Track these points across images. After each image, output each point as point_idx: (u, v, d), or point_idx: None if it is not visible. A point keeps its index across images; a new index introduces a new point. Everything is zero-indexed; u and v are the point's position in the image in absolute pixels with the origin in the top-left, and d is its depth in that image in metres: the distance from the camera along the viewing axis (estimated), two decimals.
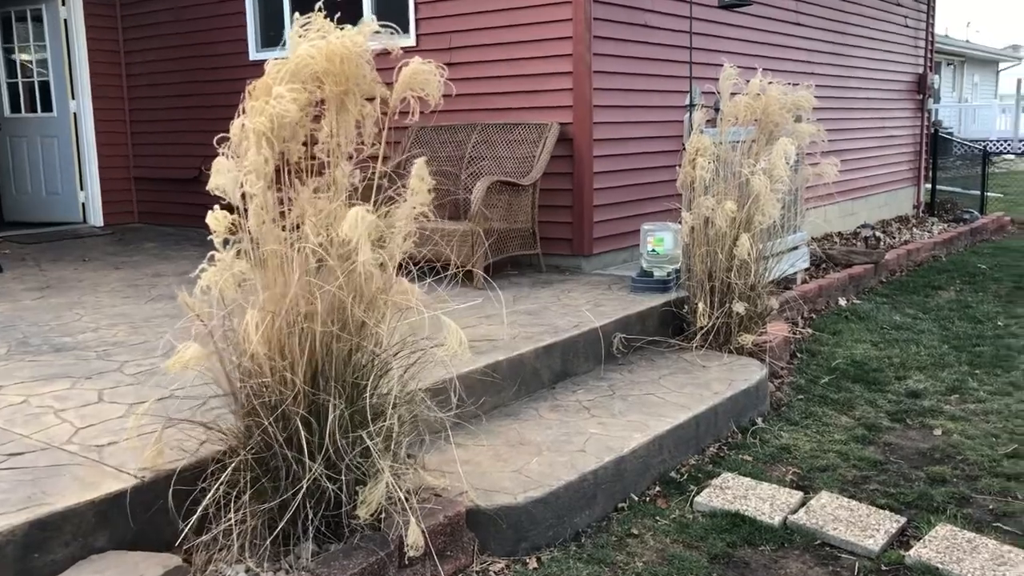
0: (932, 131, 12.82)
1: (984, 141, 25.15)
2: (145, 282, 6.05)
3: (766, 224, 4.71)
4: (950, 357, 5.72)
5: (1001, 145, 25.29)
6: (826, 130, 9.85)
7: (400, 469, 2.77)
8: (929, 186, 12.83)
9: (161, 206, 8.89)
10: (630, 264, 6.42)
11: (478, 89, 6.56)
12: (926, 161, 12.55)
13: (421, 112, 2.86)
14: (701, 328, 4.90)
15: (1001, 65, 33.41)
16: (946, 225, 11.31)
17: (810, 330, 6.36)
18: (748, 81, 4.95)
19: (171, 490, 2.63)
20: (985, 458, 4.10)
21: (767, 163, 4.65)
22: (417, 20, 6.76)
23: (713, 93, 5.26)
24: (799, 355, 5.67)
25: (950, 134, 22.95)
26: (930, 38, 12.15)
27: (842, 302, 7.25)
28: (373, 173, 2.77)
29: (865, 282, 7.81)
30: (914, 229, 10.68)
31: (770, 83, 4.93)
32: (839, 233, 9.88)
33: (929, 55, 12.17)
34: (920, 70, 11.94)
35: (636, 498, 3.56)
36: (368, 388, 2.58)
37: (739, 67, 7.36)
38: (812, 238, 9.48)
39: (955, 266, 8.89)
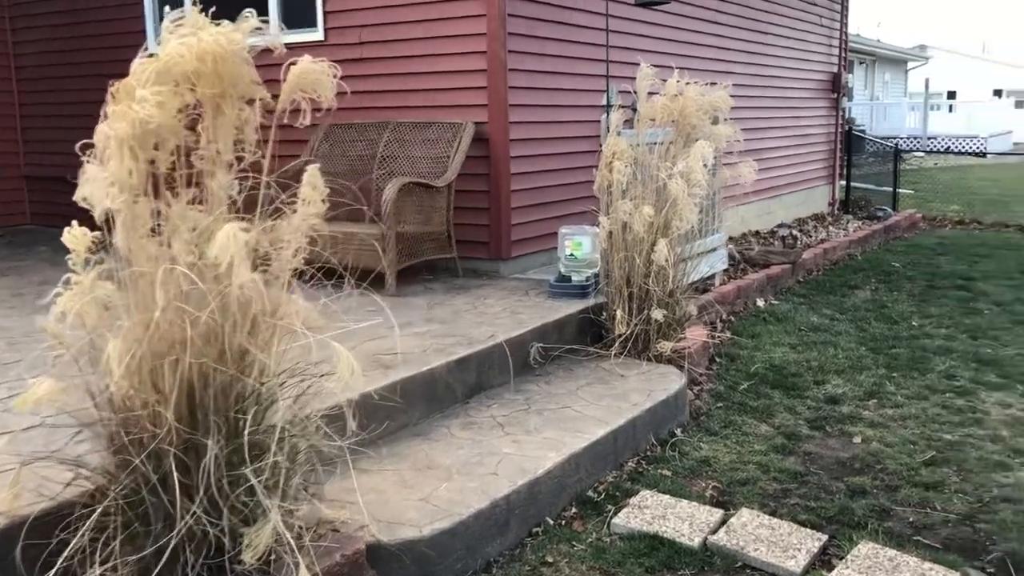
0: (846, 129, 13.02)
1: (895, 138, 25.86)
2: (31, 291, 5.64)
3: (684, 229, 4.59)
4: (867, 360, 5.71)
5: (911, 142, 26.04)
6: (744, 130, 9.87)
7: (292, 505, 2.53)
8: (844, 184, 13.03)
9: (56, 207, 8.39)
10: (550, 267, 6.25)
11: (391, 86, 6.31)
12: (841, 159, 12.74)
13: (329, 110, 2.62)
14: (620, 335, 4.76)
15: (910, 64, 34.44)
16: (860, 223, 11.47)
17: (729, 333, 6.29)
18: (665, 81, 4.81)
19: (24, 539, 2.34)
20: (904, 467, 4.05)
21: (685, 166, 4.53)
22: (326, 14, 6.47)
23: (631, 93, 5.12)
24: (718, 360, 5.58)
25: (863, 132, 23.52)
26: (844, 37, 12.32)
27: (760, 303, 7.22)
28: (258, 182, 2.52)
29: (783, 282, 7.81)
30: (830, 227, 10.80)
31: (687, 84, 4.81)
32: (756, 232, 9.91)
33: (843, 54, 12.34)
34: (834, 69, 12.09)
35: (551, 522, 3.39)
36: (251, 421, 2.34)
37: (658, 66, 7.25)
38: (730, 238, 9.48)
39: (870, 264, 8.99)
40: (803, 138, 11.30)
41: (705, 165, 6.02)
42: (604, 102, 5.35)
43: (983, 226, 13.17)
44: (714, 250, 6.95)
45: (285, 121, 2.58)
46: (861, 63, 28.89)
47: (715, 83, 5.20)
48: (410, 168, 6.02)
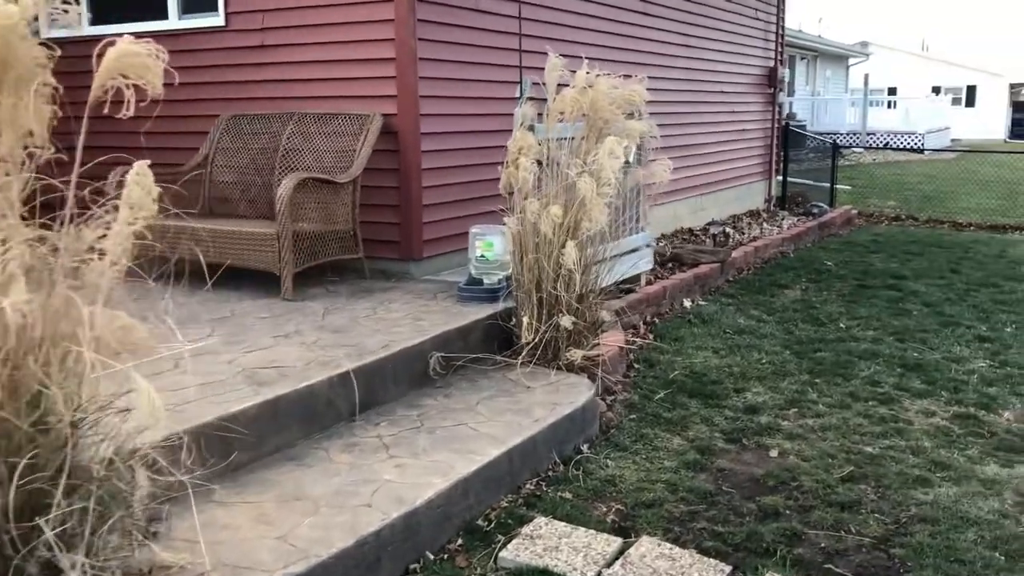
0: (783, 125, 12.91)
1: (835, 134, 26.02)
2: None
3: (594, 230, 4.31)
4: (791, 365, 5.50)
5: (851, 138, 26.21)
6: (677, 124, 9.68)
7: (104, 557, 2.19)
8: (780, 179, 12.92)
9: None
10: (466, 268, 5.94)
11: (296, 75, 5.94)
12: (777, 154, 12.62)
13: (156, 101, 2.27)
14: (528, 343, 4.47)
15: (851, 60, 34.76)
16: (796, 219, 11.36)
17: (651, 337, 6.05)
18: (588, 73, 4.53)
19: None
20: (820, 484, 3.82)
21: (595, 164, 4.24)
22: None
23: (543, 85, 4.82)
24: (636, 367, 5.33)
25: (803, 127, 23.60)
26: (780, 31, 12.19)
27: (687, 304, 7.00)
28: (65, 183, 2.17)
29: (712, 282, 7.61)
30: (764, 224, 10.66)
31: (598, 75, 4.52)
32: (690, 230, 9.72)
33: (780, 48, 12.21)
34: (771, 63, 11.96)
35: (432, 556, 3.08)
36: (44, 466, 1.99)
37: (578, 58, 6.97)
38: (662, 235, 9.28)
39: (802, 263, 8.84)
40: (739, 133, 11.14)
41: (627, 161, 5.77)
42: (518, 94, 5.05)
43: (918, 223, 13.18)
44: (638, 249, 6.70)
45: (123, 113, 2.24)
46: (803, 59, 29.03)
47: (645, 77, 4.92)
48: (314, 162, 5.65)
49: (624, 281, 6.63)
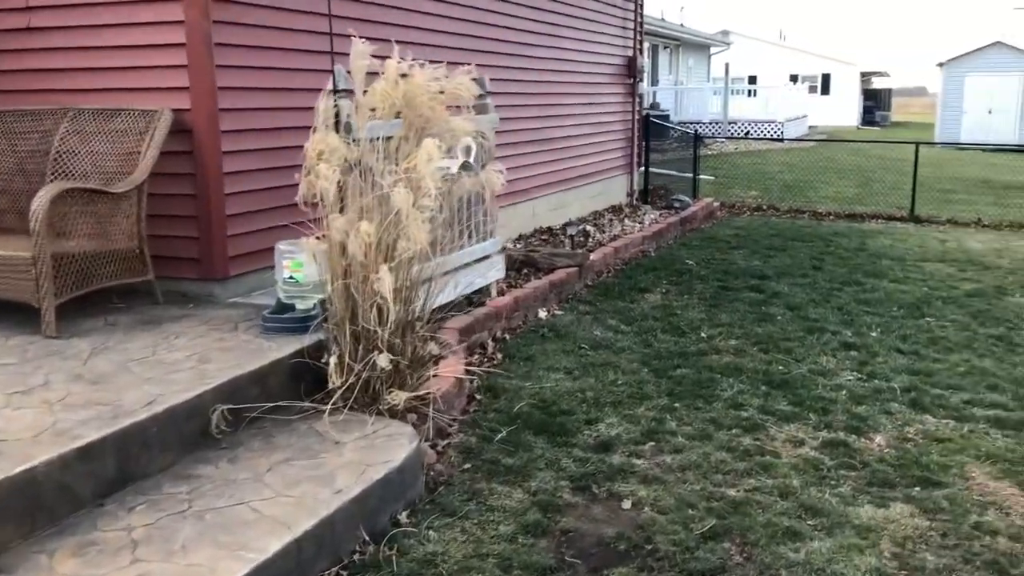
0: (644, 115, 12.55)
1: (699, 123, 26.21)
2: None
3: (414, 250, 3.61)
4: (649, 386, 4.97)
5: (713, 127, 26.46)
6: (532, 117, 9.09)
7: None
8: (644, 172, 12.56)
9: None
10: None
11: (70, 63, 5.00)
12: (639, 147, 12.25)
13: None
14: (341, 386, 3.75)
15: (713, 49, 35.26)
16: (659, 213, 11.00)
17: (500, 357, 5.42)
18: (385, 60, 3.80)
19: None
20: (678, 546, 3.26)
21: (414, 170, 3.55)
22: None
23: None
24: (479, 397, 4.68)
25: (667, 117, 23.59)
26: (639, 20, 11.78)
27: (542, 315, 6.41)
28: None
29: (569, 288, 7.05)
30: (626, 220, 10.23)
31: (412, 64, 3.82)
32: (549, 229, 9.16)
33: (638, 37, 11.81)
34: (630, 53, 11.54)
35: None
36: None
37: (430, 46, 6.24)
38: (520, 235, 8.70)
39: (663, 263, 8.41)
40: (598, 126, 10.66)
41: (467, 162, 5.11)
42: (331, 86, 4.27)
43: (780, 213, 13.10)
44: (488, 257, 6.06)
45: None
46: (666, 48, 29.16)
47: (475, 66, 4.24)
48: (93, 167, 4.75)
49: (473, 292, 5.99)
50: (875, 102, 46.45)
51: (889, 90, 50.08)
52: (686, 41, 30.61)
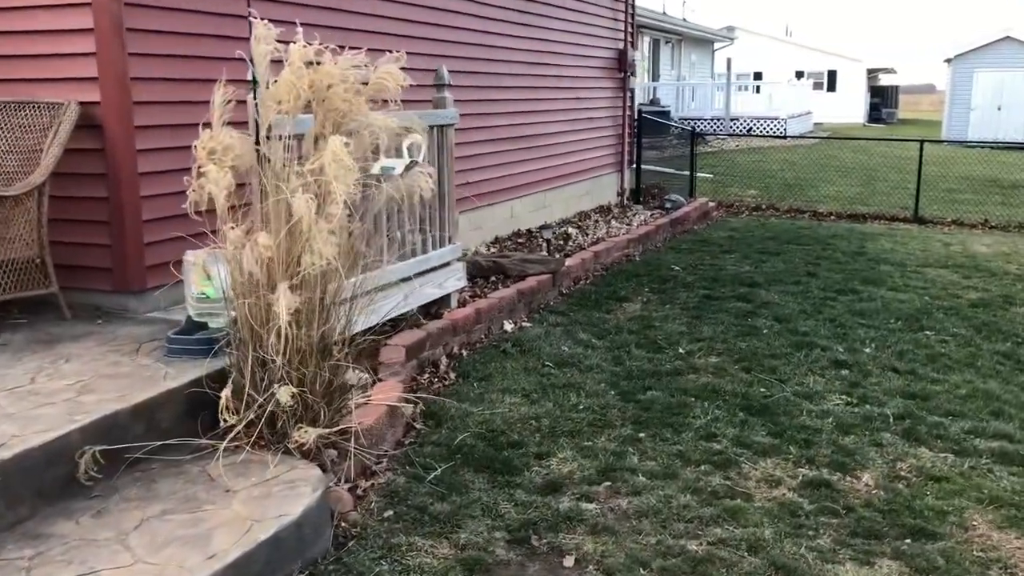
0: (637, 111, 12.02)
1: (700, 119, 25.64)
2: None
3: (321, 266, 3.11)
4: (614, 412, 4.47)
5: (715, 124, 25.88)
6: (513, 112, 8.58)
7: None
8: (635, 170, 12.02)
9: None
10: None
11: None
12: (630, 144, 11.72)
13: None
14: (239, 421, 3.25)
15: (716, 45, 34.65)
16: (650, 214, 10.48)
17: (453, 377, 4.92)
18: (288, 45, 3.29)
19: None
20: None
21: (320, 173, 3.05)
22: None
23: (281, 63, 3.57)
24: (419, 427, 4.18)
25: (667, 113, 23.03)
26: (630, 10, 11.25)
27: (508, 327, 5.91)
28: None
29: (541, 297, 6.54)
30: (613, 222, 9.71)
31: (323, 50, 3.30)
32: (528, 231, 8.65)
33: (630, 29, 11.28)
34: (620, 45, 11.01)
35: None
36: None
37: (383, 34, 5.75)
38: (496, 238, 8.20)
39: (648, 268, 7.89)
40: (585, 122, 10.14)
41: (413, 161, 4.61)
42: (250, 77, 3.77)
43: (779, 212, 12.58)
44: (445, 265, 5.56)
45: None
46: (667, 43, 28.57)
47: (404, 53, 3.73)
48: None
49: (431, 303, 5.49)
50: (882, 99, 45.76)
51: (896, 87, 49.35)
52: (689, 36, 30.02)
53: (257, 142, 3.28)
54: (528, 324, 6.03)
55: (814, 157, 19.13)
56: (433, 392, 4.65)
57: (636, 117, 11.99)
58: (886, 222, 11.91)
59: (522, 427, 4.23)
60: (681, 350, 5.52)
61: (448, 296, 5.66)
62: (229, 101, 3.20)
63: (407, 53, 4.54)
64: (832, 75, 42.65)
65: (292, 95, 3.16)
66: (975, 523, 3.45)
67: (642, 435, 4.19)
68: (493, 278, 6.59)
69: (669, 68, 28.81)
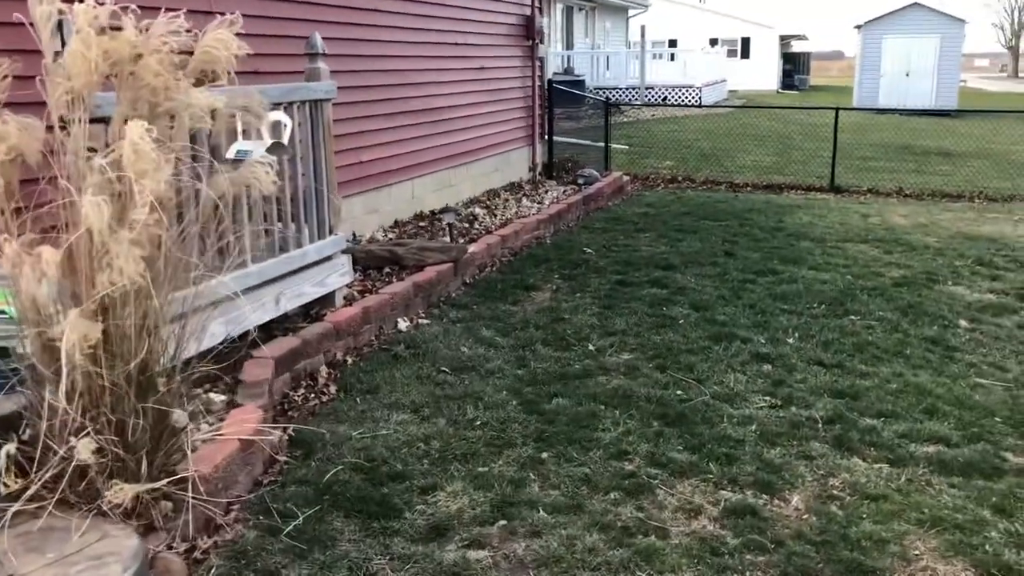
0: (548, 81, 11.45)
1: (616, 88, 25.22)
2: None
3: (123, 286, 2.47)
4: (515, 427, 3.94)
5: (630, 93, 25.51)
6: (410, 84, 7.93)
7: None
8: (548, 144, 11.48)
9: None
10: None
11: None
12: (541, 116, 11.16)
13: None
14: (35, 478, 2.61)
15: (631, 12, 34.23)
16: (563, 190, 9.97)
17: (334, 390, 4.32)
18: (73, 5, 2.61)
19: None
20: None
21: (120, 169, 2.41)
22: None
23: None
24: (283, 459, 3.58)
25: (582, 83, 22.52)
26: None
27: (403, 326, 5.32)
28: None
29: (441, 289, 5.96)
30: (524, 200, 9.17)
31: (124, 9, 2.63)
32: (431, 212, 8.04)
33: None
34: (528, 11, 10.41)
35: None
36: None
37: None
38: (396, 222, 7.57)
39: (559, 252, 7.37)
40: (492, 93, 9.54)
41: (280, 143, 4.00)
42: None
43: (695, 184, 12.24)
44: (326, 259, 4.94)
45: None
46: (581, 10, 28.00)
47: (238, 15, 3.07)
48: None
49: (313, 303, 4.88)
50: (794, 66, 46.19)
51: (808, 54, 49.90)
52: (603, 3, 29.51)
53: (50, 128, 2.61)
54: (426, 321, 5.45)
55: (730, 126, 18.90)
56: (307, 412, 4.05)
57: (547, 87, 11.43)
58: (802, 192, 11.67)
59: (408, 452, 3.67)
60: (591, 347, 5.02)
61: (332, 294, 5.05)
62: (5, 76, 2.52)
63: (274, 18, 3.91)
64: (746, 42, 42.78)
65: (84, 69, 2.50)
66: (917, 551, 3.03)
67: (545, 455, 3.67)
68: (387, 269, 5.99)
69: (583, 36, 28.29)
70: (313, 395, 4.25)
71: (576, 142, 14.45)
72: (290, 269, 4.54)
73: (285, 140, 4.18)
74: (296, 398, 4.19)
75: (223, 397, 3.74)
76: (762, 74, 41.53)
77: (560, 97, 12.63)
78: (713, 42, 40.02)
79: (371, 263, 6.02)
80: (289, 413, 4.03)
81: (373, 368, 4.61)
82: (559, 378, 4.53)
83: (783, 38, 44.49)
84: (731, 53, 40.03)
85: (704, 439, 3.83)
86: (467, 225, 7.60)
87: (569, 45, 26.44)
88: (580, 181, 10.32)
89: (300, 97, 4.59)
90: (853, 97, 28.04)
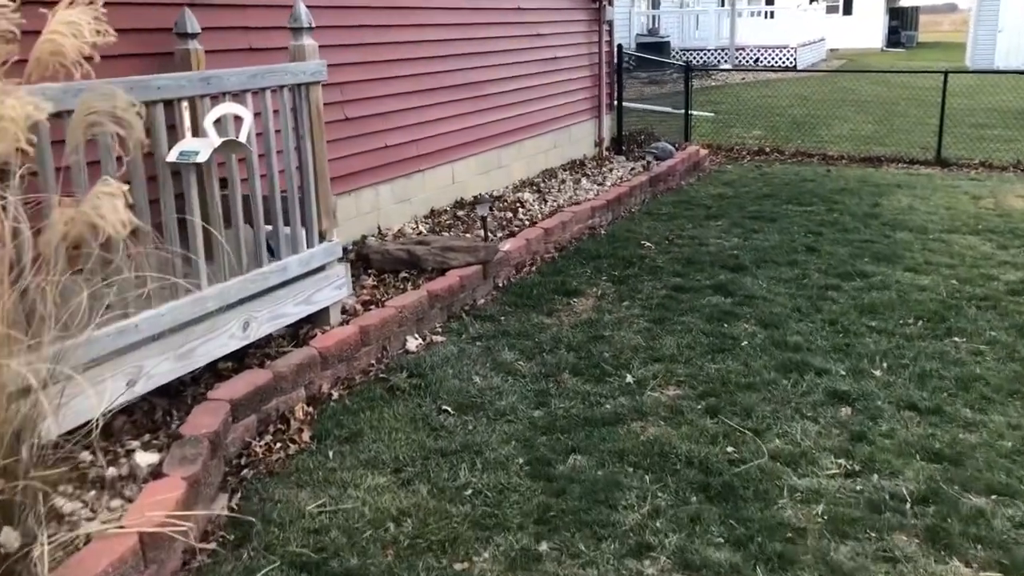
0: (617, 47, 10.45)
1: (703, 50, 23.82)
2: None
3: None
4: (513, 499, 3.14)
5: (719, 55, 24.04)
6: (450, 56, 7.11)
7: None
8: (617, 114, 10.51)
9: None
10: None
11: None
12: (610, 85, 10.18)
13: None
14: None
15: None
16: (631, 167, 9.03)
17: (307, 437, 3.60)
18: None
19: None
20: None
21: None
22: None
23: None
24: (213, 548, 2.87)
25: (666, 45, 21.26)
26: None
27: (412, 344, 4.57)
28: None
29: (465, 296, 5.18)
30: (583, 181, 8.27)
31: None
32: (475, 200, 7.23)
33: None
34: None
35: None
36: None
37: None
38: (432, 210, 6.80)
39: (613, 246, 6.48)
40: (550, 63, 8.63)
41: (234, 144, 3.30)
42: None
43: (784, 157, 11.12)
44: (316, 271, 4.21)
45: None
46: None
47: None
48: None
49: (306, 320, 4.17)
50: (900, 21, 43.29)
51: (916, 8, 46.71)
52: None
53: None
54: (441, 338, 4.69)
55: (827, 90, 17.47)
56: (267, 469, 3.34)
57: (617, 53, 10.43)
58: (904, 166, 10.43)
59: (371, 538, 2.92)
60: (630, 377, 4.17)
61: (326, 311, 4.32)
62: None
63: None
64: None
65: None
66: None
67: (544, 546, 2.88)
68: (404, 273, 5.23)
69: None
70: (280, 444, 3.54)
71: (655, 109, 13.42)
72: (263, 287, 3.82)
73: (242, 137, 3.44)
74: (258, 449, 3.48)
75: (153, 459, 3.06)
76: (866, 31, 38.98)
77: (641, 61, 11.63)
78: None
79: (387, 266, 5.28)
80: (243, 472, 3.33)
81: (361, 406, 3.87)
82: (583, 424, 3.71)
83: None
84: (831, 9, 37.67)
85: (754, 527, 2.96)
86: (510, 215, 6.78)
87: (654, 4, 25.07)
88: (648, 158, 9.33)
89: (274, 82, 3.83)
90: (966, 55, 25.85)
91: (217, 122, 3.47)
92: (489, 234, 6.02)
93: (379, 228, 6.13)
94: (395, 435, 3.61)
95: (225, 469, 3.32)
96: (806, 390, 4.01)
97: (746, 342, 4.57)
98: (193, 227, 3.43)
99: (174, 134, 3.39)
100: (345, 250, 5.65)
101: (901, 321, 4.85)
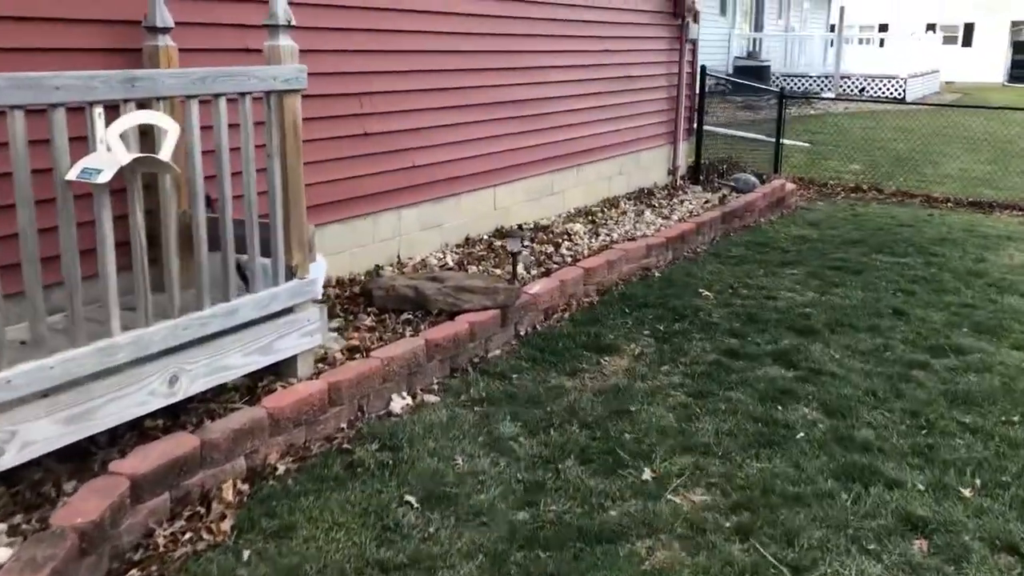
0: (700, 68, 9.57)
1: (806, 77, 22.60)
2: None
3: None
4: None
5: (822, 82, 22.76)
6: (503, 70, 6.38)
7: None
8: (697, 140, 9.63)
9: None
10: None
11: None
12: (689, 109, 9.33)
13: None
14: None
15: None
16: (706, 199, 8.16)
17: (227, 528, 2.90)
18: None
19: None
20: None
21: None
22: None
23: None
24: None
25: (765, 69, 20.19)
26: None
27: (398, 405, 3.85)
28: None
29: (476, 346, 4.43)
30: (647, 213, 7.45)
31: None
32: (520, 227, 6.49)
33: None
34: None
35: None
36: None
37: None
38: (467, 238, 6.09)
39: (665, 292, 5.64)
40: (620, 81, 7.84)
41: (149, 160, 2.64)
42: None
43: (882, 195, 10.06)
44: (282, 313, 3.53)
45: None
46: None
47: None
48: None
49: (269, 370, 3.51)
50: None
51: None
52: None
53: None
54: (435, 398, 3.96)
55: (937, 124, 16.10)
56: (160, 571, 2.65)
57: (700, 74, 9.55)
58: (1019, 213, 9.26)
59: None
60: (649, 472, 3.35)
61: (292, 360, 3.64)
62: None
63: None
64: (968, 28, 38.13)
65: None
66: None
67: None
68: (407, 316, 4.52)
69: (775, 17, 25.64)
70: (190, 535, 2.85)
71: (744, 136, 12.48)
72: (200, 335, 3.15)
73: (165, 155, 2.77)
74: (160, 540, 2.80)
75: (4, 556, 2.40)
76: (986, 65, 36.81)
77: (737, 85, 10.72)
78: (930, 28, 35.84)
79: (389, 304, 4.58)
80: (131, 572, 2.65)
81: (307, 488, 3.16)
82: (575, 537, 2.91)
83: (1015, 24, 39.31)
84: (949, 40, 35.70)
85: None
86: (551, 249, 6.00)
87: (757, 27, 23.94)
88: (725, 190, 8.43)
89: (232, 88, 3.17)
90: None
91: (145, 135, 2.83)
92: (520, 271, 5.26)
93: (399, 257, 5.45)
94: (334, 534, 2.89)
95: (112, 566, 2.65)
96: (870, 510, 3.12)
97: (802, 434, 3.69)
98: (104, 260, 2.79)
99: (83, 147, 2.75)
100: (351, 282, 4.99)
101: (1004, 418, 3.89)
